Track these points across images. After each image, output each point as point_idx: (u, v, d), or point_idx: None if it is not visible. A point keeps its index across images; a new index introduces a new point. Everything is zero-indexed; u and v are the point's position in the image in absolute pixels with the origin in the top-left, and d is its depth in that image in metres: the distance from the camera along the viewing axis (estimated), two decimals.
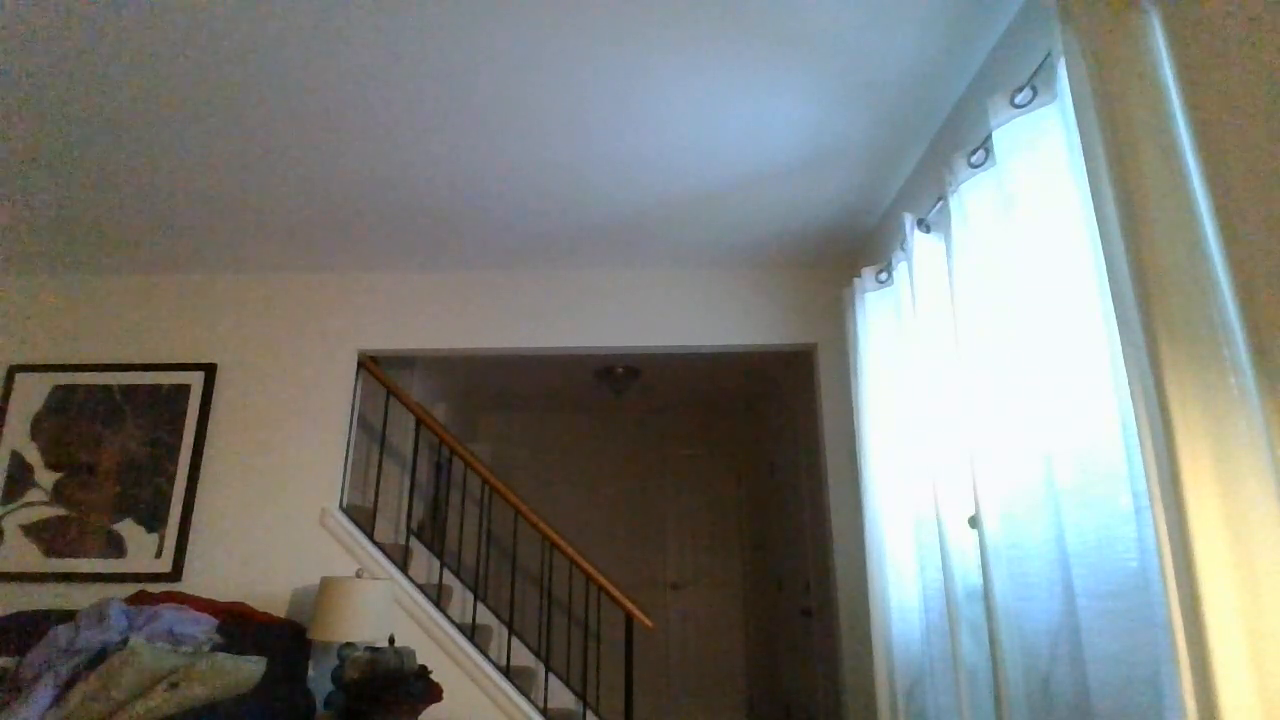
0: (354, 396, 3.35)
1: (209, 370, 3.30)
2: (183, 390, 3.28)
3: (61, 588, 3.07)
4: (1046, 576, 1.50)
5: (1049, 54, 1.55)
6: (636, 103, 2.20)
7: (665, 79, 2.09)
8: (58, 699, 2.27)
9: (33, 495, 3.16)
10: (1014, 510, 1.60)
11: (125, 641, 2.44)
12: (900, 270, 2.32)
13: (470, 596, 3.81)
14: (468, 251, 3.24)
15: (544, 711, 3.00)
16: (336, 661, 2.74)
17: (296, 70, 2.05)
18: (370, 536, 3.15)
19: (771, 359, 4.67)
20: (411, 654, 2.67)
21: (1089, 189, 1.26)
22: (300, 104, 2.20)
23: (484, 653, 3.04)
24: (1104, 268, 1.23)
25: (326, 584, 2.73)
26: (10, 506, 3.15)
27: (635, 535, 5.83)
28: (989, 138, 1.70)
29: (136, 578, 3.07)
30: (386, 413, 3.48)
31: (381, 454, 3.47)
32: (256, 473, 3.20)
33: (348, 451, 3.28)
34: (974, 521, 1.78)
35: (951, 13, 1.85)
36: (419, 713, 2.58)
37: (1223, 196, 1.05)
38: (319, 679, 2.99)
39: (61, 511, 3.14)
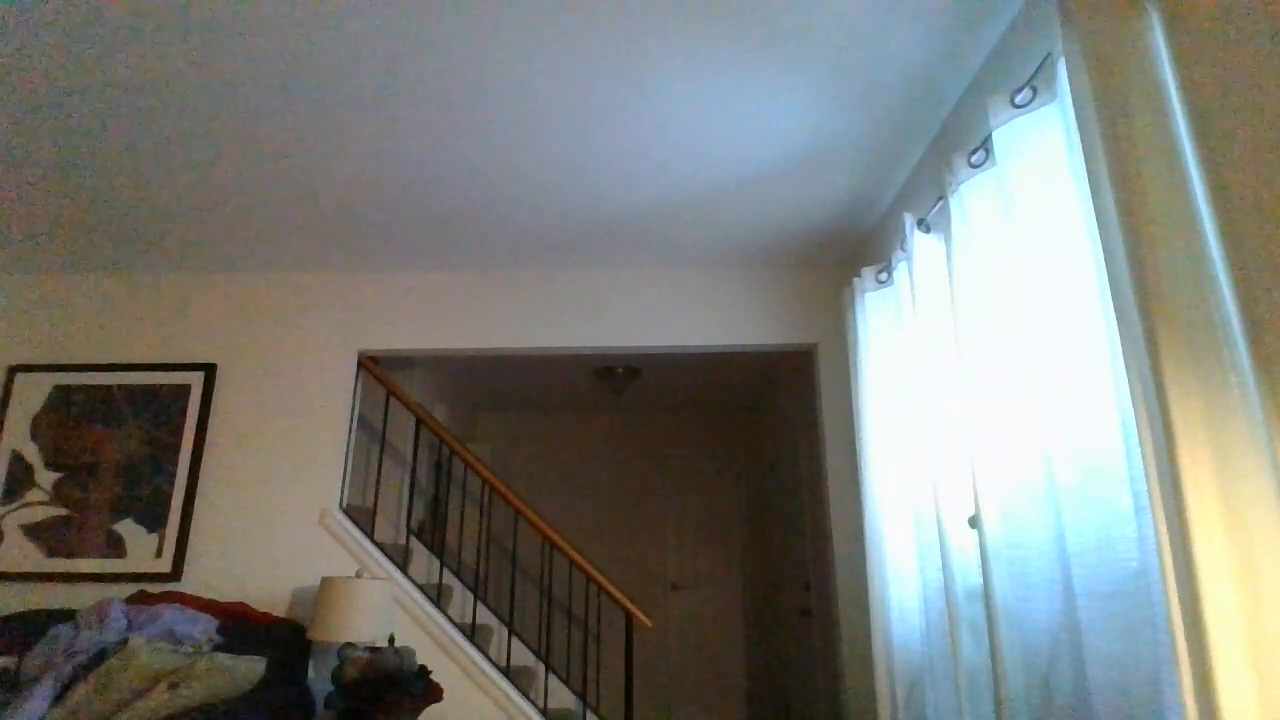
0: (354, 396, 3.35)
1: (209, 370, 3.30)
2: (183, 390, 3.28)
3: (61, 588, 3.07)
4: (1046, 576, 1.50)
5: (1049, 54, 1.55)
6: (637, 103, 2.20)
7: (666, 79, 2.09)
8: (58, 699, 2.27)
9: (33, 495, 3.16)
10: (1014, 510, 1.60)
11: (125, 641, 2.44)
12: (900, 270, 2.32)
13: (470, 596, 3.81)
14: (468, 251, 3.24)
15: (544, 711, 3.00)
16: (336, 661, 2.74)
17: (296, 71, 2.05)
18: (370, 536, 3.15)
19: (771, 359, 4.67)
20: (411, 654, 2.67)
21: (1089, 189, 1.26)
22: (300, 104, 2.20)
23: (484, 653, 3.04)
24: (1104, 267, 1.23)
25: (326, 584, 2.73)
26: (10, 506, 3.15)
27: (635, 535, 5.83)
28: (989, 138, 1.70)
29: (136, 578, 3.07)
30: (386, 413, 3.48)
31: (381, 454, 3.47)
32: (256, 473, 3.20)
33: (348, 451, 3.28)
34: (974, 521, 1.78)
35: (951, 13, 1.85)
36: (419, 713, 2.58)
37: (1223, 196, 1.05)
38: (319, 679, 2.98)
39: (61, 511, 3.14)
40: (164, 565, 3.08)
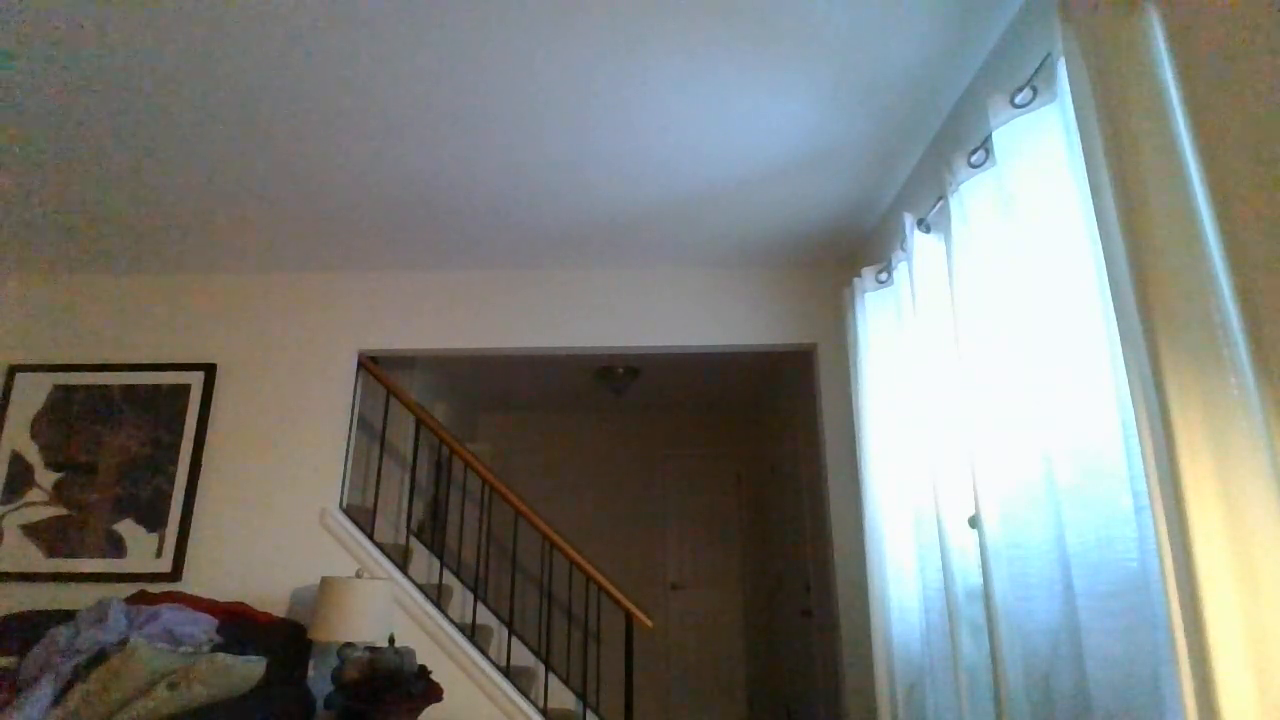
0: (354, 396, 3.35)
1: (209, 370, 3.29)
2: (183, 390, 3.28)
3: (61, 588, 3.07)
4: (1046, 576, 1.50)
5: (1049, 54, 1.55)
6: (637, 103, 2.20)
7: (666, 79, 2.09)
8: (58, 699, 2.27)
9: (33, 495, 3.16)
10: (1014, 510, 1.60)
11: (125, 641, 2.44)
12: (900, 270, 2.32)
13: (470, 596, 3.81)
14: (468, 251, 3.24)
15: (544, 711, 3.00)
16: (336, 661, 2.74)
17: (297, 71, 2.05)
18: (370, 536, 3.15)
19: (772, 359, 4.67)
20: (411, 654, 2.67)
21: (1089, 189, 1.26)
22: (300, 104, 2.20)
23: (484, 653, 3.04)
24: (1104, 267, 1.23)
25: (326, 584, 2.73)
26: (10, 506, 3.15)
27: (635, 535, 5.83)
28: (989, 138, 1.70)
29: (136, 578, 3.07)
30: (386, 413, 3.48)
31: (381, 454, 3.47)
32: (256, 473, 3.20)
33: (348, 451, 3.28)
34: (974, 521, 1.78)
35: (951, 13, 1.85)
36: (419, 713, 2.58)
37: (1223, 196, 1.05)
38: (319, 679, 2.98)
39: (61, 511, 3.14)
40: (164, 565, 3.08)
